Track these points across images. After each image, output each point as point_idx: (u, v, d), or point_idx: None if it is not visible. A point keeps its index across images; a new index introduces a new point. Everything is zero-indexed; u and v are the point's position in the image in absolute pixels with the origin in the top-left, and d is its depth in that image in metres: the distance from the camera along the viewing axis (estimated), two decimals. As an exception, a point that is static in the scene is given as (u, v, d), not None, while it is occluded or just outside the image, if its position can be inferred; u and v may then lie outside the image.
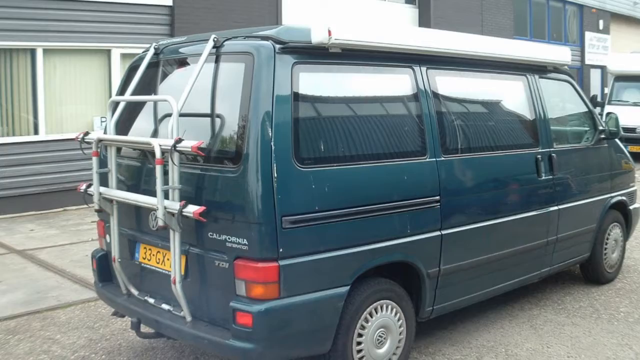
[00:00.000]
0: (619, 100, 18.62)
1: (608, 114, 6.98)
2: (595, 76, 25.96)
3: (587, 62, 25.26)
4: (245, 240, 3.96)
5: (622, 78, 19.09)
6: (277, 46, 4.14)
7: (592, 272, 6.89)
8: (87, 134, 4.84)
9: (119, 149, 4.77)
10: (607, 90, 20.24)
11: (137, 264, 4.79)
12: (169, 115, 4.13)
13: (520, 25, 22.13)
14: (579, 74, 24.50)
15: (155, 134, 4.70)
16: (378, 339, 4.54)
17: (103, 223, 5.12)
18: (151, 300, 4.63)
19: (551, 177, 5.94)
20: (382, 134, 4.60)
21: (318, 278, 4.17)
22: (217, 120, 4.29)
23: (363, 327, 4.45)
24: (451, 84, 5.28)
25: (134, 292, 4.78)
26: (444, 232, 4.92)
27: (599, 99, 18.59)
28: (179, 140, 3.99)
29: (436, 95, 5.03)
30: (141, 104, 4.97)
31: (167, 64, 4.89)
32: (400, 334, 4.69)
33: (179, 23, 12.64)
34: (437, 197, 4.86)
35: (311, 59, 4.32)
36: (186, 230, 4.19)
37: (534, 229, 5.84)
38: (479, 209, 5.28)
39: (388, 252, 4.55)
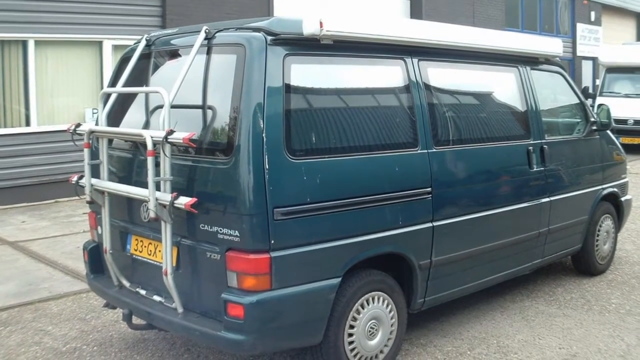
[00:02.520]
0: (610, 92, 18.65)
1: (600, 105, 6.99)
2: (586, 68, 25.99)
3: (578, 53, 25.28)
4: (236, 231, 3.96)
5: (613, 70, 19.11)
6: (269, 38, 4.13)
7: (584, 264, 6.91)
8: (78, 125, 4.83)
9: (110, 141, 4.77)
10: (598, 82, 20.26)
11: (129, 255, 4.78)
12: (161, 106, 4.12)
13: (512, 16, 22.12)
14: (570, 65, 24.53)
15: (147, 125, 4.69)
16: (370, 331, 4.54)
17: (94, 214, 5.11)
18: (143, 292, 4.63)
19: (543, 168, 5.95)
20: (373, 125, 4.60)
21: (309, 270, 4.17)
22: (209, 112, 4.28)
23: (355, 319, 4.46)
24: (443, 76, 5.27)
25: (126, 283, 4.78)
26: (435, 223, 4.92)
27: (590, 91, 18.62)
28: (171, 132, 3.98)
29: (428, 86, 5.02)
30: (133, 96, 4.95)
31: (159, 56, 4.87)
32: (391, 325, 4.70)
33: (171, 15, 12.60)
34: (429, 189, 4.87)
35: (303, 51, 4.31)
36: (178, 221, 4.19)
37: (525, 220, 5.85)
38: (470, 201, 5.29)
39: (379, 243, 4.55)
